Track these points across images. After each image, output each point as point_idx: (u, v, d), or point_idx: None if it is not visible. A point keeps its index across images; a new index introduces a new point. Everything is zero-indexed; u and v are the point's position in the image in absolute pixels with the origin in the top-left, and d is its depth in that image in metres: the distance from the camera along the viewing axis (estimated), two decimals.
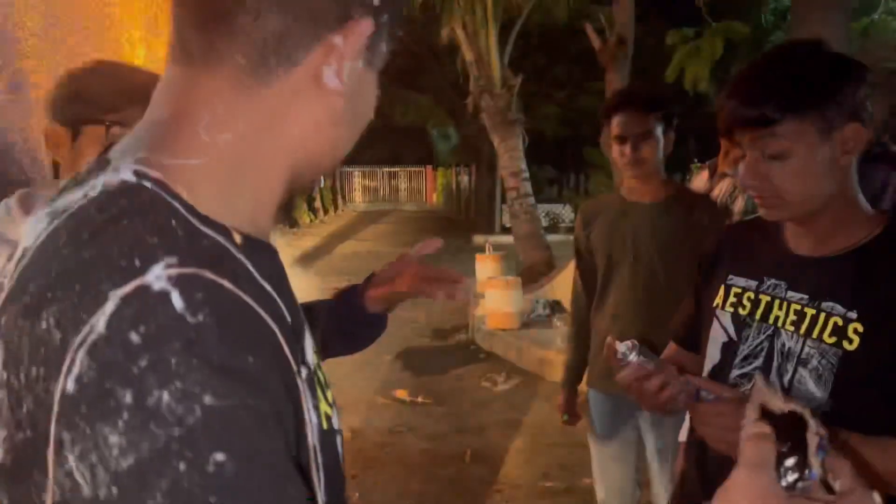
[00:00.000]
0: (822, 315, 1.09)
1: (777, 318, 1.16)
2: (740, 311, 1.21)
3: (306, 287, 8.89)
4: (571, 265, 2.44)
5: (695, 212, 1.96)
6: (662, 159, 1.99)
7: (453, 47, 7.70)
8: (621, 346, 1.15)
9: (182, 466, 0.39)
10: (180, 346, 0.41)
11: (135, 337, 0.41)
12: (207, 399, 0.41)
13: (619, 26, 5.87)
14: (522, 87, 7.94)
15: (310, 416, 0.51)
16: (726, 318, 1.23)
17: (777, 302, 1.16)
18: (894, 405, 1.04)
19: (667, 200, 2.00)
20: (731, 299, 1.22)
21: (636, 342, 1.16)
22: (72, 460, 0.40)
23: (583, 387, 2.24)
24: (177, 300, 0.42)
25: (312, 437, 0.52)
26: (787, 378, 1.12)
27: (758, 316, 1.18)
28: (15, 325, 0.45)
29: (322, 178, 19.54)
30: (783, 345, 1.14)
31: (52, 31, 2.16)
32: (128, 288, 0.42)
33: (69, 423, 0.40)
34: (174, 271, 0.43)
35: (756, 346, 1.19)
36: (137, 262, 0.43)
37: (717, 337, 1.24)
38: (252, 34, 0.51)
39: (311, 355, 0.57)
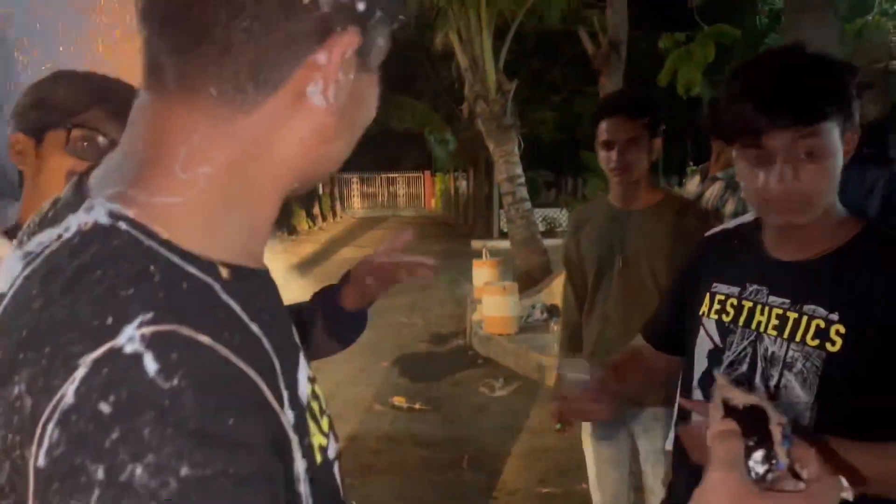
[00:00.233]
0: (805, 318, 1.10)
1: (759, 322, 1.17)
2: (724, 317, 1.22)
3: (304, 295, 8.84)
4: None
5: (683, 218, 1.97)
6: (650, 165, 2.00)
7: (449, 53, 7.71)
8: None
9: None
10: (153, 416, 0.39)
11: (105, 407, 0.39)
12: (184, 471, 0.39)
13: (611, 30, 5.88)
14: (518, 91, 7.94)
15: (298, 463, 0.50)
16: (711, 326, 1.23)
17: (759, 307, 1.17)
18: (879, 404, 1.05)
19: (655, 207, 2.01)
20: (716, 306, 1.23)
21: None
22: None
23: None
24: (150, 363, 0.40)
25: (302, 484, 0.50)
26: (773, 383, 1.13)
27: (741, 322, 1.19)
28: None
29: (320, 185, 19.41)
30: (766, 349, 1.15)
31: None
32: (98, 352, 0.40)
33: (43, 497, 0.39)
34: (148, 330, 0.41)
35: (741, 352, 1.19)
36: (109, 321, 0.41)
37: (703, 344, 1.25)
38: (223, 65, 0.48)
39: (304, 387, 0.55)
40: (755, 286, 1.19)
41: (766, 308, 1.16)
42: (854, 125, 1.08)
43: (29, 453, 0.40)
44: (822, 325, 1.08)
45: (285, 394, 0.50)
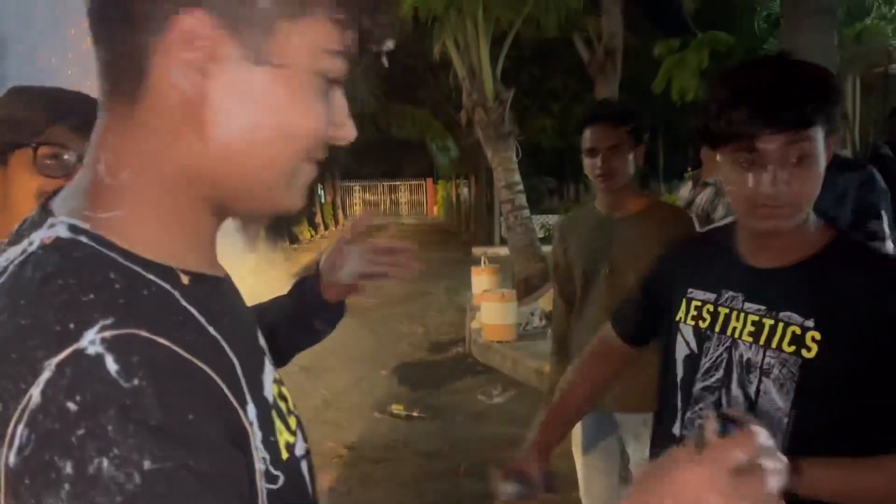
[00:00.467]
0: (781, 325, 1.11)
1: (735, 329, 1.17)
2: (700, 324, 1.22)
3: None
4: None
5: (668, 224, 1.97)
6: (634, 172, 2.01)
7: (448, 62, 7.75)
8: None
9: None
10: (116, 413, 0.41)
11: (71, 406, 0.41)
12: (146, 464, 0.41)
13: (607, 38, 5.90)
14: (518, 99, 7.94)
15: (257, 458, 0.51)
16: (688, 332, 1.24)
17: (735, 314, 1.18)
18: (856, 410, 1.05)
19: (640, 213, 2.02)
20: (692, 312, 1.24)
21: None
22: None
23: None
24: (111, 364, 0.42)
25: (260, 477, 0.52)
26: (751, 389, 1.14)
27: (717, 328, 1.20)
28: None
29: (322, 193, 19.41)
30: (741, 356, 1.15)
31: None
32: (63, 355, 0.42)
33: (15, 494, 0.41)
34: (109, 333, 0.43)
35: (717, 358, 1.20)
36: (72, 326, 0.43)
37: (680, 350, 1.25)
38: (100, 61, 0.51)
39: (269, 388, 0.57)
40: (731, 293, 1.19)
41: (742, 314, 1.17)
42: (834, 131, 1.09)
43: (0, 455, 0.41)
44: (798, 331, 1.08)
45: (248, 393, 0.51)
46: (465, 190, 19.14)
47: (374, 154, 17.97)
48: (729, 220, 1.30)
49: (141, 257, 0.49)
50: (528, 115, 12.70)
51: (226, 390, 0.48)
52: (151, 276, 0.49)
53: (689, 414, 1.23)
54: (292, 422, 0.60)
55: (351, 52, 0.54)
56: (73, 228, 0.49)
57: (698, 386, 1.22)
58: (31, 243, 0.50)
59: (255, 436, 0.51)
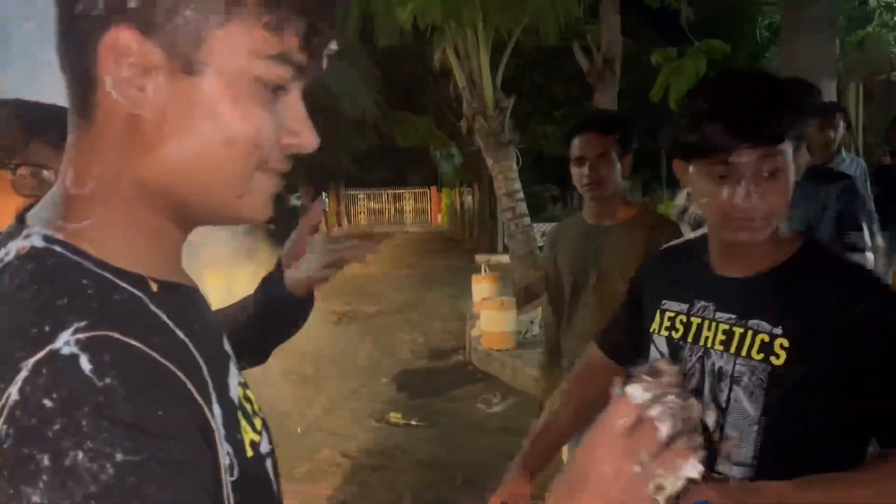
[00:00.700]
0: (750, 333, 1.12)
1: (707, 338, 1.18)
2: (673, 334, 1.23)
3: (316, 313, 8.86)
4: None
5: (656, 232, 1.98)
6: (621, 181, 2.02)
7: (449, 70, 7.78)
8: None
9: None
10: (90, 409, 0.43)
11: (48, 402, 0.43)
12: (119, 456, 0.43)
13: (605, 46, 5.92)
14: (520, 106, 7.92)
15: (224, 452, 0.54)
16: (662, 343, 1.25)
17: (707, 323, 1.19)
18: (824, 416, 1.07)
19: (628, 222, 2.03)
20: (666, 323, 1.25)
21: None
22: None
23: None
24: (85, 364, 0.45)
25: (225, 472, 0.54)
26: (723, 398, 1.15)
27: (690, 338, 1.21)
28: None
29: (326, 201, 19.52)
30: (713, 364, 1.16)
31: None
32: (39, 355, 0.45)
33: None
34: (83, 335, 0.46)
35: (690, 368, 1.21)
36: (47, 329, 0.46)
37: (655, 360, 1.26)
38: (65, 81, 0.54)
39: (234, 390, 0.59)
40: (703, 303, 1.20)
41: (714, 324, 1.18)
42: (802, 145, 1.11)
43: None
44: (767, 339, 1.10)
45: (213, 393, 0.54)
46: (469, 198, 19.15)
47: (379, 162, 18.00)
48: (697, 233, 1.31)
49: (111, 265, 0.52)
50: (530, 123, 12.72)
51: (192, 389, 0.50)
52: (122, 283, 0.52)
53: None
54: (258, 422, 0.62)
55: (292, 56, 0.53)
56: (46, 238, 0.52)
57: None
58: (7, 253, 0.52)
59: (220, 433, 0.53)
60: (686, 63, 4.63)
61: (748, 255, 1.14)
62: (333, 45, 0.57)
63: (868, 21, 9.82)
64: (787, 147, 1.06)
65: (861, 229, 1.99)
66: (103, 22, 0.50)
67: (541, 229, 9.16)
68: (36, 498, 0.42)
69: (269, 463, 0.63)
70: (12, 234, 0.54)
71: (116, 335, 0.47)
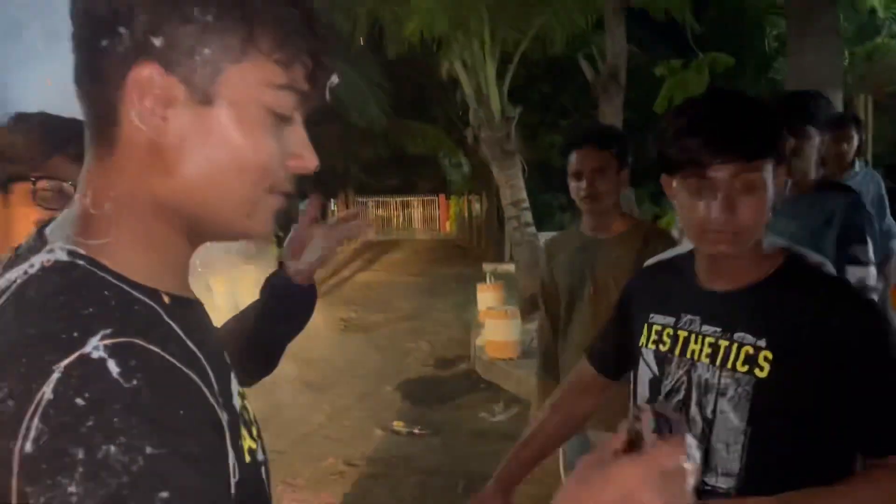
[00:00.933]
0: (735, 345, 1.14)
1: (693, 351, 1.21)
2: (661, 347, 1.26)
3: (317, 318, 8.91)
4: None
5: (650, 245, 2.00)
6: (618, 195, 2.05)
7: (457, 78, 7.83)
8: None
9: None
10: (119, 407, 0.47)
11: (80, 401, 0.47)
12: (148, 449, 0.47)
13: (610, 58, 5.95)
14: (528, 116, 7.95)
15: (230, 455, 0.58)
16: (650, 356, 1.27)
17: (693, 336, 1.21)
18: (808, 427, 1.09)
19: (623, 234, 2.05)
20: (653, 336, 1.27)
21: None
22: None
23: None
24: (113, 367, 0.49)
25: (232, 471, 0.58)
26: (709, 410, 1.17)
27: (677, 351, 1.23)
28: None
29: (336, 208, 19.40)
30: (700, 377, 1.19)
31: None
32: (70, 359, 0.48)
33: (32, 478, 0.46)
34: (109, 341, 0.50)
35: (677, 381, 1.23)
36: (76, 335, 0.50)
37: (644, 374, 1.29)
38: (82, 105, 0.59)
39: (236, 399, 0.63)
40: (689, 316, 1.23)
41: (700, 337, 1.20)
42: (783, 164, 1.13)
43: (13, 445, 0.47)
44: (751, 351, 1.12)
45: (220, 400, 0.58)
46: (477, 206, 19.18)
47: (388, 170, 18.07)
48: (684, 248, 1.34)
49: (129, 279, 0.56)
50: (538, 132, 12.76)
51: (206, 392, 0.55)
52: (139, 296, 0.56)
53: None
54: (254, 431, 0.67)
55: (298, 88, 0.59)
56: (70, 253, 0.56)
57: None
58: (31, 266, 0.57)
59: (227, 436, 0.57)
60: (690, 75, 4.65)
61: (732, 269, 1.17)
62: (335, 79, 0.63)
63: (877, 33, 9.81)
64: (765, 164, 1.09)
65: (866, 243, 2.00)
66: (129, 58, 0.55)
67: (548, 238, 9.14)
68: (72, 488, 0.45)
69: (263, 471, 0.67)
70: (34, 248, 0.59)
71: (139, 342, 0.51)
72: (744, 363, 1.12)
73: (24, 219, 1.10)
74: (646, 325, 1.29)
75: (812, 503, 1.06)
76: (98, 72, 0.56)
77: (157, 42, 0.54)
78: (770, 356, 1.10)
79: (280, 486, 3.66)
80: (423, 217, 25.48)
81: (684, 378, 1.21)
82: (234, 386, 0.64)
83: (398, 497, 3.77)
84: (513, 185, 7.11)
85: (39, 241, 0.59)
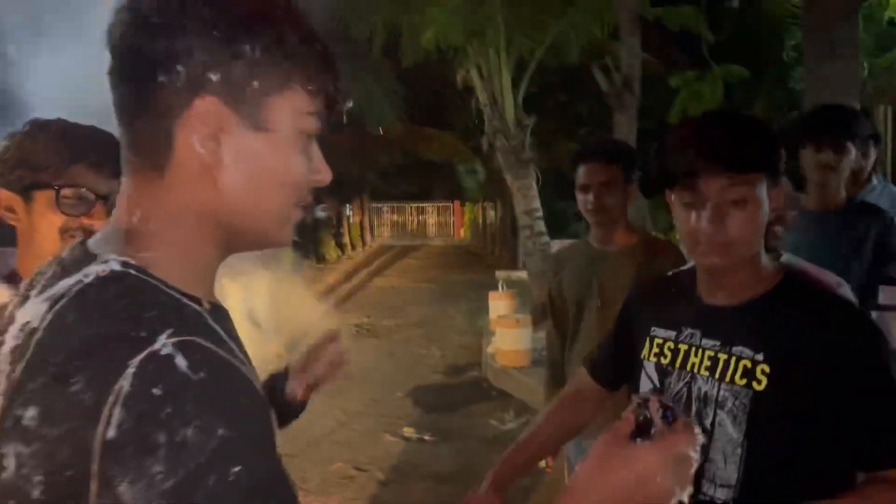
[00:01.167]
0: (734, 359, 1.17)
1: (693, 364, 1.23)
2: (662, 360, 1.28)
3: (328, 324, 8.98)
4: None
5: (656, 258, 2.02)
6: (626, 208, 2.07)
7: (473, 87, 7.88)
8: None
9: (211, 480, 0.52)
10: (191, 396, 0.54)
11: (157, 392, 0.53)
12: (220, 430, 0.53)
13: (625, 68, 5.96)
14: (543, 124, 7.96)
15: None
16: (651, 368, 1.30)
17: (693, 349, 1.23)
18: (804, 439, 1.11)
19: (630, 247, 2.07)
20: (655, 349, 1.29)
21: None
22: (123, 487, 0.51)
23: None
24: (181, 362, 0.55)
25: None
26: (707, 422, 1.19)
27: (677, 364, 1.25)
28: (45, 389, 0.55)
29: (351, 213, 19.46)
30: (699, 389, 1.21)
31: None
32: (143, 355, 0.54)
33: (116, 460, 0.52)
34: (175, 339, 0.56)
35: (677, 393, 1.25)
36: (144, 334, 0.56)
37: (645, 386, 1.31)
38: (132, 136, 0.65)
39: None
40: (690, 330, 1.25)
41: (700, 350, 1.22)
42: (780, 184, 1.16)
43: (94, 432, 0.52)
44: (749, 364, 1.14)
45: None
46: (492, 213, 19.19)
47: (403, 176, 18.14)
48: (687, 265, 1.36)
49: (175, 287, 0.63)
50: (554, 141, 12.75)
51: (257, 386, 0.62)
52: (186, 301, 0.62)
53: None
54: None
55: (321, 112, 0.68)
56: (123, 264, 0.62)
57: None
58: (86, 276, 0.62)
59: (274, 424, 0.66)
60: (704, 87, 4.65)
61: (731, 284, 1.19)
62: (349, 102, 0.72)
63: (894, 44, 9.71)
64: (756, 179, 1.12)
65: None
66: (188, 92, 0.62)
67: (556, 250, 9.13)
68: (157, 468, 0.51)
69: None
70: (83, 260, 0.64)
71: (200, 340, 0.57)
72: (742, 376, 1.15)
73: (48, 224, 1.15)
74: (647, 338, 1.31)
75: None
76: (154, 104, 0.63)
77: (214, 77, 0.62)
78: (767, 370, 1.12)
79: None
80: (438, 223, 25.56)
81: (684, 390, 1.23)
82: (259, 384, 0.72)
83: (407, 503, 3.79)
84: (526, 194, 7.13)
85: (86, 253, 0.65)
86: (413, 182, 19.99)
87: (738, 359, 1.16)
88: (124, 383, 0.53)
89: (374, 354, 7.32)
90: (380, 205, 24.87)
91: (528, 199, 7.14)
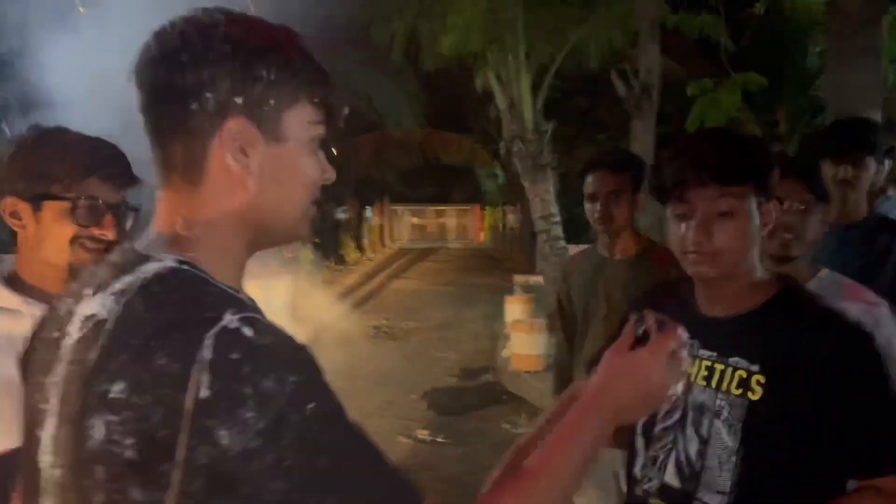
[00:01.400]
0: (730, 369, 1.20)
1: (691, 373, 1.26)
2: None
3: (348, 325, 9.09)
4: None
5: (662, 266, 2.04)
6: (633, 217, 2.10)
7: (492, 91, 7.91)
8: None
9: (293, 416, 0.63)
10: (263, 355, 0.65)
11: (235, 356, 0.63)
12: (291, 378, 0.64)
13: (644, 74, 5.96)
14: (563, 129, 7.96)
15: None
16: None
17: (691, 359, 1.26)
18: (798, 448, 1.13)
19: (637, 256, 2.10)
20: None
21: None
22: (222, 433, 0.61)
23: None
24: (247, 332, 0.65)
25: None
26: (704, 430, 1.22)
27: None
28: (131, 367, 0.65)
29: (372, 215, 19.51)
30: (695, 398, 1.24)
31: None
32: (216, 329, 0.65)
33: (212, 413, 0.62)
34: (238, 315, 0.66)
35: (675, 401, 1.28)
36: (211, 314, 0.66)
37: None
38: (162, 157, 0.76)
39: None
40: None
41: (697, 360, 1.25)
42: (771, 200, 1.19)
43: (183, 395, 0.62)
44: (745, 375, 1.18)
45: None
46: (511, 216, 19.17)
47: (424, 178, 18.23)
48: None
49: (220, 281, 0.73)
50: (574, 146, 12.73)
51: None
52: (231, 292, 0.72)
53: (649, 453, 1.31)
54: None
55: (325, 120, 0.79)
56: (177, 261, 0.72)
57: (659, 427, 1.30)
58: (145, 272, 0.71)
59: None
60: (722, 95, 4.64)
61: (727, 296, 1.23)
62: (346, 110, 0.83)
63: None
64: (744, 191, 1.16)
65: None
66: (217, 114, 0.73)
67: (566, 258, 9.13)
68: (249, 414, 0.62)
69: None
70: (136, 262, 0.73)
71: (257, 316, 0.68)
72: (737, 386, 1.18)
73: (60, 234, 1.17)
74: None
75: None
76: (188, 127, 0.73)
77: (239, 100, 0.73)
78: (762, 380, 1.15)
79: None
80: (457, 226, 25.57)
81: (682, 399, 1.26)
82: None
83: None
84: (543, 199, 7.15)
85: (138, 255, 0.74)
86: (433, 185, 20.08)
87: (735, 369, 1.19)
88: (205, 353, 0.63)
89: (391, 356, 7.38)
90: (400, 207, 24.96)
91: (545, 204, 7.16)
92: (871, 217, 2.14)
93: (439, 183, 20.32)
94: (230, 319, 0.66)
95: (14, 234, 1.22)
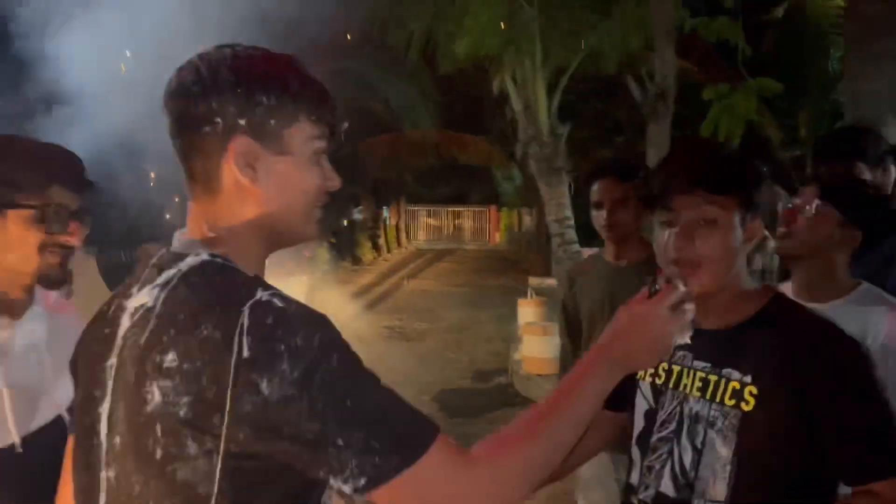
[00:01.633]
0: (723, 381, 1.22)
1: (685, 385, 1.28)
2: (657, 380, 1.33)
3: (362, 325, 9.15)
4: None
5: None
6: (639, 225, 2.11)
7: (507, 95, 7.93)
8: None
9: (322, 366, 0.76)
10: (293, 318, 0.78)
11: (269, 320, 0.77)
12: (317, 335, 0.77)
13: (659, 78, 5.95)
14: (579, 132, 7.98)
15: None
16: (646, 388, 1.35)
17: (685, 371, 1.28)
18: (790, 458, 1.15)
19: (642, 263, 2.12)
20: (650, 370, 1.34)
21: None
22: (264, 385, 0.73)
23: None
24: (277, 302, 0.79)
25: None
26: (699, 440, 1.24)
27: (671, 384, 1.30)
28: (180, 339, 0.77)
29: (388, 216, 19.54)
30: (691, 409, 1.26)
31: None
32: (251, 302, 0.78)
33: (255, 369, 0.74)
34: (269, 291, 0.80)
35: (670, 412, 1.30)
36: (244, 292, 0.80)
37: (640, 405, 1.36)
38: (189, 172, 0.89)
39: None
40: (682, 352, 1.30)
41: (692, 371, 1.27)
42: (756, 215, 1.20)
43: (228, 357, 0.74)
44: (738, 386, 1.20)
45: None
46: (528, 219, 19.14)
47: (440, 180, 18.25)
48: None
49: (247, 270, 0.86)
50: (590, 148, 12.70)
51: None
52: (259, 277, 0.86)
53: (646, 462, 1.33)
54: None
55: (325, 135, 0.90)
56: (211, 255, 0.86)
57: (655, 437, 1.32)
58: (184, 265, 0.85)
59: None
60: (738, 100, 4.62)
61: (716, 307, 1.25)
62: (345, 124, 0.95)
63: None
64: (728, 203, 1.18)
65: None
66: (226, 135, 0.85)
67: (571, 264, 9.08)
68: (284, 366, 0.74)
69: None
70: (174, 259, 0.86)
71: (283, 293, 0.81)
72: (731, 397, 1.20)
73: (26, 242, 1.18)
74: None
75: None
76: (203, 147, 0.86)
77: (243, 122, 0.85)
78: (755, 391, 1.17)
79: None
80: (473, 228, 25.55)
81: (677, 410, 1.28)
82: None
83: None
84: (558, 202, 7.16)
85: (175, 254, 0.87)
86: (450, 186, 20.09)
87: (728, 380, 1.21)
88: (244, 321, 0.76)
89: (404, 357, 7.41)
90: (416, 208, 25.00)
91: (559, 207, 7.17)
92: (874, 223, 2.12)
93: (456, 184, 20.32)
94: (262, 294, 0.79)
95: None
